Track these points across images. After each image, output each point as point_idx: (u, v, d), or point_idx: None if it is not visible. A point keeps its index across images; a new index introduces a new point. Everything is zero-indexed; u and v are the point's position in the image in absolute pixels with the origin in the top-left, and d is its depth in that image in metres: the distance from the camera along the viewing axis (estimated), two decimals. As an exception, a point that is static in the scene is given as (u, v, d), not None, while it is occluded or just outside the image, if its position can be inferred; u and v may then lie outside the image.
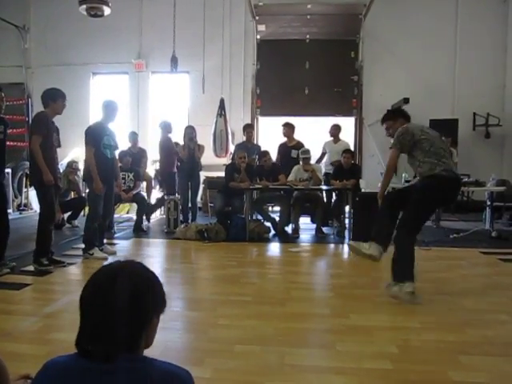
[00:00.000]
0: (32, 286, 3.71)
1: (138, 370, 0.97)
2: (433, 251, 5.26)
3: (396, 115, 3.88)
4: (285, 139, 7.19)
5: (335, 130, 7.34)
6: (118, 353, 0.97)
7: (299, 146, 6.83)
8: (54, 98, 4.23)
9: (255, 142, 7.82)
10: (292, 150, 6.87)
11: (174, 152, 6.93)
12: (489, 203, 6.66)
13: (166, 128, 7.01)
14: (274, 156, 7.01)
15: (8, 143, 4.37)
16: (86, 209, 7.50)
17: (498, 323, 2.95)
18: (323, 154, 7.36)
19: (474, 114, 9.22)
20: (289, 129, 7.09)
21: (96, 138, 4.70)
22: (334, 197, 6.92)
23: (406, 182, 7.29)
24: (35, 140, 4.10)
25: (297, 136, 7.21)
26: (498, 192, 6.51)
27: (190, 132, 6.74)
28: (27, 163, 6.82)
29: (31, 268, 4.17)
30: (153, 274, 1.09)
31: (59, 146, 4.47)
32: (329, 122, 8.04)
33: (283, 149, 7.14)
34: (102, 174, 4.70)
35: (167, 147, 6.95)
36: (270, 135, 8.01)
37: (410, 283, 3.26)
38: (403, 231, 3.43)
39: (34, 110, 9.47)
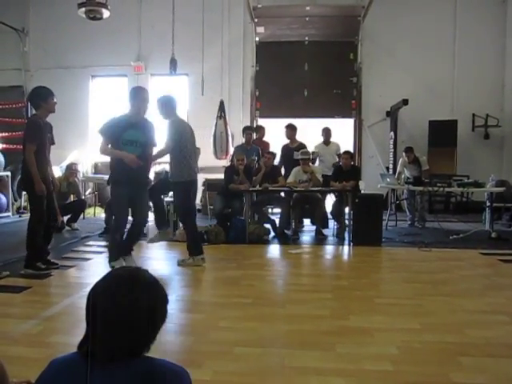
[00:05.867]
0: (32, 289, 3.70)
1: (136, 366, 1.01)
2: (433, 252, 5.26)
3: None
4: (287, 141, 7.24)
5: (328, 134, 7.45)
6: (120, 355, 1.00)
7: (301, 147, 6.84)
8: (45, 99, 4.10)
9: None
10: (295, 152, 6.89)
11: None
12: (488, 204, 6.66)
13: None
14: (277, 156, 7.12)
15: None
16: (86, 211, 7.53)
17: (498, 324, 2.95)
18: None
19: (473, 114, 9.23)
20: (291, 130, 7.13)
21: (112, 131, 4.08)
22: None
23: (408, 178, 7.31)
24: (29, 149, 3.99)
25: (297, 137, 7.24)
26: (498, 193, 6.51)
27: None
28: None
29: (29, 271, 4.10)
30: (161, 284, 1.12)
31: (53, 143, 4.34)
32: (328, 123, 8.06)
33: (286, 150, 7.16)
34: (120, 175, 4.09)
35: None
36: (269, 137, 8.03)
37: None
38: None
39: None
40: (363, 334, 2.75)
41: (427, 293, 3.65)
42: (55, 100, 4.18)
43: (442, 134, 8.82)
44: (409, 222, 7.35)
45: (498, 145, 9.37)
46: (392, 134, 9.16)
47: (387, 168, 9.11)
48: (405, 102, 8.39)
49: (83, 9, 6.70)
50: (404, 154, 7.33)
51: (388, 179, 7.39)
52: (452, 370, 2.27)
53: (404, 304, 3.37)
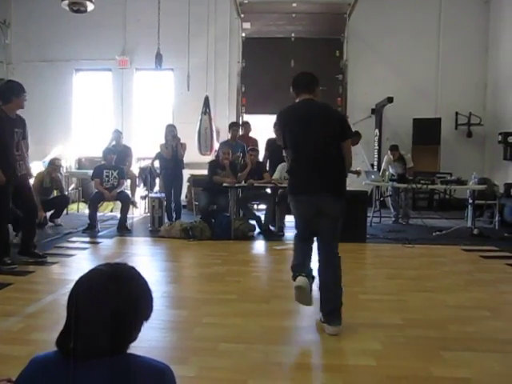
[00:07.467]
0: (13, 285, 3.64)
1: (119, 364, 0.99)
2: (415, 248, 5.33)
3: None
4: (273, 135, 7.22)
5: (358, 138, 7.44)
6: (103, 353, 0.98)
7: None
8: (18, 94, 4.05)
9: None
10: None
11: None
12: (470, 201, 6.76)
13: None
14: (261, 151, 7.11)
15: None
16: (69, 207, 7.42)
17: (480, 319, 3.00)
18: None
19: (457, 113, 9.35)
20: None
21: None
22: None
23: (393, 175, 7.37)
24: None
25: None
26: (480, 190, 6.61)
27: (171, 130, 6.77)
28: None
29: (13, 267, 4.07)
30: (145, 280, 1.10)
31: (24, 138, 4.26)
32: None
33: (273, 145, 7.12)
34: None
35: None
36: (255, 133, 8.03)
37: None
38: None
39: None
40: (347, 330, 2.77)
41: (410, 289, 3.69)
42: (26, 97, 4.14)
43: (426, 131, 8.93)
44: (393, 219, 7.43)
45: (480, 143, 9.52)
46: (377, 131, 9.23)
47: (372, 165, 9.19)
48: (390, 99, 8.45)
49: (67, 1, 6.59)
50: (389, 151, 7.40)
51: (373, 176, 7.45)
52: (434, 365, 2.30)
53: (387, 300, 3.41)
